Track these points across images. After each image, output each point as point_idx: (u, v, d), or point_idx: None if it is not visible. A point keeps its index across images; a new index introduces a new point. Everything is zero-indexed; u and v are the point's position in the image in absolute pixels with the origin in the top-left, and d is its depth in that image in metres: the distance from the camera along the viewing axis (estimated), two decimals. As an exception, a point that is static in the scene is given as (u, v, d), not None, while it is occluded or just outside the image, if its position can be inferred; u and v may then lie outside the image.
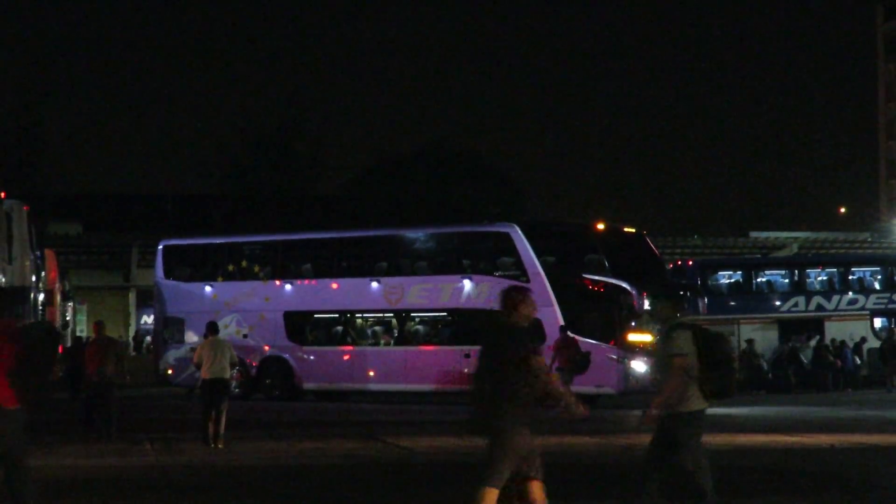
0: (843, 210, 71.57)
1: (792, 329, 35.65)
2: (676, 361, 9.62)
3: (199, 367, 18.40)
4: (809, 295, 36.01)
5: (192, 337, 30.42)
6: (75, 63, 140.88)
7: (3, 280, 20.16)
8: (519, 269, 27.79)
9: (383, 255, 30.49)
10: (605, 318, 26.85)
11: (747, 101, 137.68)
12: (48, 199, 53.38)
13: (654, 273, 28.99)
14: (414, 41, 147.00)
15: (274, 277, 31.11)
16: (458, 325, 28.96)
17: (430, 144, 67.86)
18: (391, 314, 30.16)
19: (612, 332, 26.73)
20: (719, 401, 9.97)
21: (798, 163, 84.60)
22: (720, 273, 37.85)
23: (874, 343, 35.22)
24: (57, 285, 31.47)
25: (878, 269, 37.14)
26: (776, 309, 35.94)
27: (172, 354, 31.58)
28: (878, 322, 35.99)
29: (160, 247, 33.03)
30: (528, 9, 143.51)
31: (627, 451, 16.56)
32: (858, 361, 35.35)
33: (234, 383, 25.97)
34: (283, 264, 31.35)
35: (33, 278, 22.04)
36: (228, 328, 29.94)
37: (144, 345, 46.78)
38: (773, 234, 57.40)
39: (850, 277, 36.42)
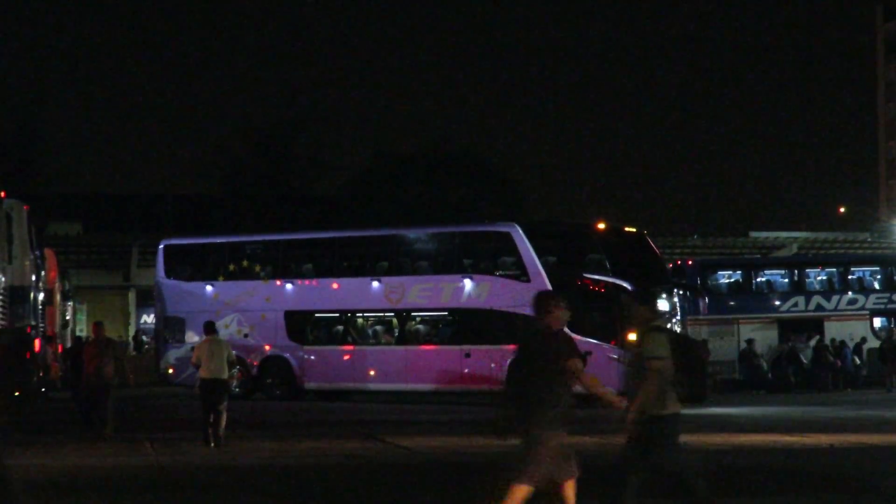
0: (842, 210, 71.50)
1: (792, 329, 35.62)
2: (654, 364, 9.60)
3: (197, 367, 18.43)
4: (809, 295, 35.98)
5: (192, 336, 30.39)
6: (75, 63, 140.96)
7: (4, 280, 20.15)
8: (520, 269, 27.80)
9: (384, 254, 30.50)
10: (606, 318, 26.82)
11: (747, 101, 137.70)
12: (48, 199, 53.24)
13: (655, 273, 28.99)
14: (414, 41, 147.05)
15: (275, 277, 31.12)
16: (459, 324, 28.97)
17: (430, 144, 67.64)
18: (392, 314, 30.16)
19: (612, 332, 26.69)
20: (692, 405, 10.00)
21: (798, 163, 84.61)
22: (720, 273, 37.81)
23: (874, 343, 35.20)
24: (57, 285, 31.39)
25: (878, 268, 37.12)
26: (776, 309, 35.90)
27: (173, 354, 31.57)
28: (877, 322, 35.96)
29: (161, 246, 33.03)
30: (529, 9, 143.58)
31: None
32: (858, 361, 35.33)
33: (234, 383, 26.04)
34: (284, 264, 31.37)
35: (33, 278, 22.00)
36: (229, 328, 30.01)
37: (144, 344, 46.77)
38: (772, 234, 57.34)
39: (850, 277, 36.40)
